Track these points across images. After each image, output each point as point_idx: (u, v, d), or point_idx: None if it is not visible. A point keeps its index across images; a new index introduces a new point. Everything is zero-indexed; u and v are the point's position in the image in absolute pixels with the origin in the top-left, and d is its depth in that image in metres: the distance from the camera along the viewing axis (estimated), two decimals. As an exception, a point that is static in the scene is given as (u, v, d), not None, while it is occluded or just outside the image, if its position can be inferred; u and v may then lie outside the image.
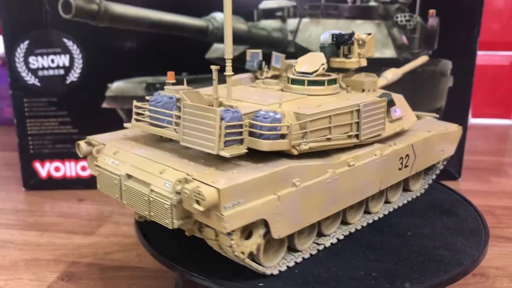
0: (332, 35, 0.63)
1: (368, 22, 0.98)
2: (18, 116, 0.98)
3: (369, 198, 0.64)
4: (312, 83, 0.59)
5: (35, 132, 0.99)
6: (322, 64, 0.59)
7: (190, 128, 0.48)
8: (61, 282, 0.70)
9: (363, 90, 0.63)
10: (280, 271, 0.52)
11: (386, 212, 0.68)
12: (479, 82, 1.56)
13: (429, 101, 1.02)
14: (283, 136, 0.49)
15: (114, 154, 0.55)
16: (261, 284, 0.50)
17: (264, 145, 0.49)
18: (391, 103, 0.62)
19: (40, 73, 0.96)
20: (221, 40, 0.96)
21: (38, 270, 0.72)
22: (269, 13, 0.96)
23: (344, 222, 0.62)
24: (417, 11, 0.98)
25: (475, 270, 0.71)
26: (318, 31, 0.97)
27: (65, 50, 0.95)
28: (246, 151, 0.48)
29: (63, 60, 0.96)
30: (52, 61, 0.96)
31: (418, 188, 0.75)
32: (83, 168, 1.02)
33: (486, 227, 0.64)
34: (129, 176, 0.51)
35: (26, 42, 0.94)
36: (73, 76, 0.97)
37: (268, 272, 0.51)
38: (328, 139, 0.54)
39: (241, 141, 0.48)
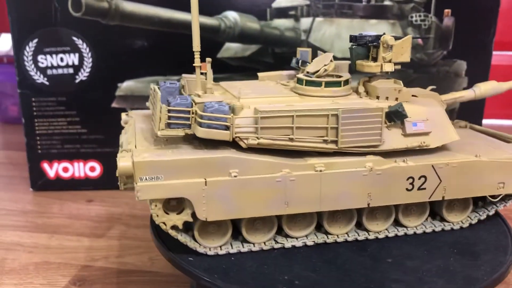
0: (353, 35, 0.61)
1: (383, 21, 0.96)
2: (26, 115, 0.97)
3: (363, 214, 0.60)
4: (309, 83, 0.59)
5: (43, 132, 0.98)
6: (325, 65, 0.59)
7: (154, 112, 0.57)
8: (72, 286, 0.68)
9: (378, 97, 0.59)
10: (217, 253, 0.56)
11: (392, 235, 0.61)
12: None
13: (444, 102, 1.01)
14: (228, 128, 0.52)
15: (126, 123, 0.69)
16: (191, 258, 0.55)
17: (199, 132, 0.52)
18: (397, 115, 0.56)
19: (49, 72, 0.95)
20: (233, 39, 0.94)
21: (48, 274, 0.71)
22: (282, 12, 0.95)
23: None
24: (432, 10, 0.96)
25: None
26: (331, 30, 0.96)
27: (75, 49, 0.93)
28: (183, 134, 0.54)
29: (73, 58, 0.94)
30: (61, 59, 0.94)
31: (458, 220, 0.64)
32: (92, 169, 1.00)
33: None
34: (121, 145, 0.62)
35: (35, 41, 0.93)
36: (83, 75, 0.95)
37: (201, 250, 0.55)
38: (291, 139, 0.54)
39: (189, 126, 0.53)
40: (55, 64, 0.94)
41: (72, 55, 0.94)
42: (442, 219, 0.63)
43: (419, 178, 0.58)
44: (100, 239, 0.81)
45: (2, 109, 1.53)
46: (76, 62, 0.94)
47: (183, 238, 0.55)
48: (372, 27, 0.96)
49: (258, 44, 0.95)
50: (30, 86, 0.95)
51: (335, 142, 0.55)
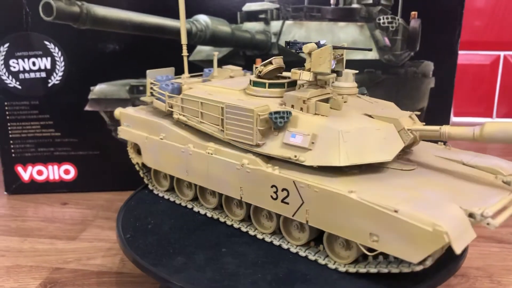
0: (287, 41, 0.60)
1: (351, 24, 0.98)
2: (-1, 119, 0.97)
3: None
4: (256, 84, 0.63)
5: (17, 136, 0.98)
6: (257, 68, 0.63)
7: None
8: (44, 289, 0.69)
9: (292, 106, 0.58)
10: (157, 195, 0.77)
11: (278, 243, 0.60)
12: (461, 81, 1.59)
13: (412, 102, 1.03)
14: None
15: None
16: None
17: (147, 99, 0.78)
18: (272, 121, 0.54)
19: (21, 76, 0.95)
20: (204, 42, 0.96)
21: (20, 277, 0.72)
22: (253, 16, 0.96)
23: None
24: (399, 13, 0.99)
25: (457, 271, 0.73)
26: (301, 33, 0.98)
27: (47, 53, 0.94)
28: (150, 101, 0.76)
29: (45, 62, 0.95)
30: (34, 64, 0.95)
31: (341, 260, 0.54)
32: (66, 171, 1.01)
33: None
34: None
35: (6, 45, 0.93)
36: (55, 79, 0.96)
37: (150, 187, 0.78)
38: (199, 122, 0.65)
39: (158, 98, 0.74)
40: (27, 68, 0.95)
41: (44, 59, 0.94)
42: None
43: (282, 190, 0.55)
44: (73, 242, 0.82)
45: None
46: (48, 66, 0.95)
47: (144, 176, 0.78)
48: (341, 30, 0.99)
49: (229, 47, 0.97)
50: (2, 90, 0.96)
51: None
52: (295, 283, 0.52)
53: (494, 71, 1.60)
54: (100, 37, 0.94)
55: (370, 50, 0.59)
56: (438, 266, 0.53)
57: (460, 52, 1.57)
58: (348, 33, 0.99)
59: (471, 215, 0.45)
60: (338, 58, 0.56)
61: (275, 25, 0.97)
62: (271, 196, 0.56)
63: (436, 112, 1.04)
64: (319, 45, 0.54)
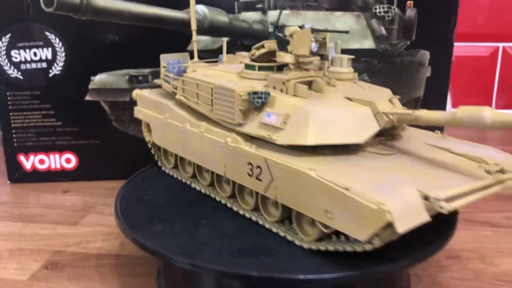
0: (275, 25, 0.63)
1: (347, 13, 1.00)
2: (2, 109, 0.99)
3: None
4: (248, 67, 0.64)
5: (19, 125, 1.00)
6: (250, 52, 0.65)
7: None
8: (45, 270, 0.71)
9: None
10: (164, 171, 0.80)
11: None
12: (460, 72, 1.60)
13: (408, 91, 1.05)
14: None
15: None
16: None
17: (159, 81, 0.80)
18: (251, 100, 0.57)
19: (22, 66, 0.97)
20: (202, 32, 0.97)
21: (22, 260, 0.74)
22: (250, 5, 0.98)
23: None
24: (395, 2, 1.00)
25: (449, 253, 0.74)
26: (298, 22, 0.99)
27: (48, 43, 0.96)
28: (161, 83, 0.80)
29: (46, 53, 0.96)
30: (35, 54, 0.96)
31: (306, 238, 0.55)
32: (68, 160, 1.03)
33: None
34: None
35: (8, 36, 0.95)
36: (56, 69, 0.97)
37: (160, 164, 0.82)
38: (197, 103, 0.68)
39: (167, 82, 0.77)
40: (28, 58, 0.96)
41: (45, 49, 0.96)
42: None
43: (256, 168, 0.57)
44: (74, 227, 0.84)
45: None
46: (49, 57, 0.97)
47: (155, 153, 0.83)
48: (338, 19, 1.00)
49: (227, 37, 0.98)
50: (4, 81, 0.97)
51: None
52: (259, 255, 0.54)
53: (493, 63, 1.60)
54: (100, 28, 0.95)
55: (347, 32, 0.59)
56: (422, 245, 0.54)
57: (459, 43, 1.58)
58: (344, 22, 1.00)
59: (426, 198, 0.45)
60: (321, 42, 0.57)
61: (272, 14, 0.98)
62: (248, 173, 0.58)
63: (432, 101, 1.05)
64: (302, 28, 0.56)
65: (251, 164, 0.57)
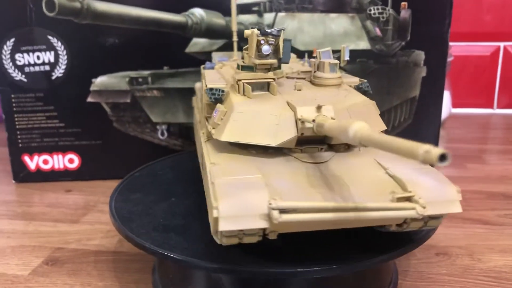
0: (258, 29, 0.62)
1: (342, 15, 1.01)
2: (7, 111, 1.02)
3: None
4: (244, 68, 0.62)
5: (23, 127, 1.03)
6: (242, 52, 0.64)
7: None
8: (45, 266, 0.73)
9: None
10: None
11: None
12: (461, 72, 1.60)
13: (404, 91, 1.06)
14: None
15: None
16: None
17: None
18: (211, 94, 0.59)
19: (26, 69, 1.00)
20: (199, 34, 1.00)
21: (23, 256, 0.76)
22: (246, 8, 1.00)
23: None
24: (389, 3, 1.01)
25: (439, 249, 0.75)
26: (294, 24, 1.01)
27: (50, 47, 0.99)
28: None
29: (48, 56, 0.99)
30: (38, 57, 0.99)
31: None
32: (71, 161, 1.06)
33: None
34: None
35: (12, 40, 0.98)
36: (58, 72, 1.00)
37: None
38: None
39: None
40: (32, 62, 1.00)
41: (48, 53, 0.99)
42: None
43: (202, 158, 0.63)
44: (75, 225, 0.87)
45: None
46: (52, 60, 1.00)
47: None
48: (332, 21, 1.02)
49: (224, 39, 1.01)
50: (9, 84, 1.01)
51: None
52: (172, 232, 0.60)
53: (494, 62, 1.61)
54: (100, 31, 0.98)
55: (289, 41, 0.58)
56: (403, 241, 0.56)
57: (460, 43, 1.59)
58: (339, 24, 1.02)
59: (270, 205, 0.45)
60: (273, 45, 0.57)
61: (268, 17, 1.00)
62: (201, 164, 0.66)
63: (428, 101, 1.06)
64: (263, 31, 0.57)
65: (202, 155, 0.62)
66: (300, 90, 0.61)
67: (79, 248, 0.79)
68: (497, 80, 1.62)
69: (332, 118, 0.51)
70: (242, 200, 0.45)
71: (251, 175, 0.50)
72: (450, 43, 1.06)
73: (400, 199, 0.48)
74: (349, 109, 0.56)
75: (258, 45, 0.57)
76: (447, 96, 1.45)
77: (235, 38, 0.85)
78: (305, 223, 0.45)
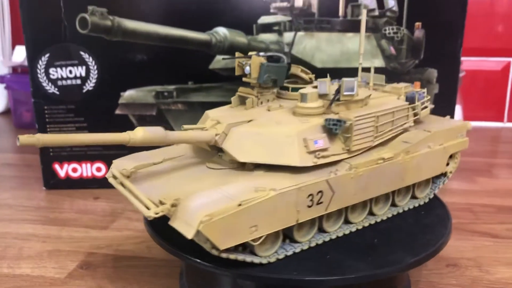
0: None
1: (358, 34, 1.06)
2: (40, 122, 1.08)
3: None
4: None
5: (55, 136, 1.09)
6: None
7: None
8: (80, 270, 0.79)
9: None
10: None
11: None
12: (472, 86, 1.64)
13: (416, 107, 1.10)
14: None
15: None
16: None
17: None
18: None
19: (59, 83, 1.06)
20: (223, 52, 1.05)
21: (59, 260, 0.82)
22: (267, 28, 1.05)
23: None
24: (404, 24, 1.06)
25: (449, 261, 0.80)
26: (312, 43, 1.06)
27: (82, 62, 1.05)
28: None
29: (80, 71, 1.05)
30: (70, 72, 1.06)
31: None
32: (98, 169, 1.11)
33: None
34: None
35: (47, 55, 1.04)
36: (89, 85, 1.06)
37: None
38: None
39: None
40: (64, 76, 1.06)
41: (79, 67, 1.05)
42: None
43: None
44: (105, 231, 0.92)
45: (17, 115, 1.66)
46: (83, 74, 1.06)
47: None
48: (349, 40, 1.07)
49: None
50: (42, 96, 1.07)
51: None
52: None
53: (505, 77, 1.65)
54: (129, 48, 1.04)
55: (249, 57, 0.67)
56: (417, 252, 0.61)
57: (471, 58, 1.63)
58: (355, 43, 1.07)
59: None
60: (245, 65, 0.67)
61: (288, 36, 1.06)
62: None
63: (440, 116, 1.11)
64: (257, 54, 0.67)
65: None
66: (269, 110, 0.66)
67: (110, 253, 0.84)
68: (508, 94, 1.66)
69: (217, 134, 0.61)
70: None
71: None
72: (462, 58, 1.10)
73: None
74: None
75: (241, 65, 0.68)
76: (458, 110, 1.49)
77: (360, 60, 0.77)
78: None
